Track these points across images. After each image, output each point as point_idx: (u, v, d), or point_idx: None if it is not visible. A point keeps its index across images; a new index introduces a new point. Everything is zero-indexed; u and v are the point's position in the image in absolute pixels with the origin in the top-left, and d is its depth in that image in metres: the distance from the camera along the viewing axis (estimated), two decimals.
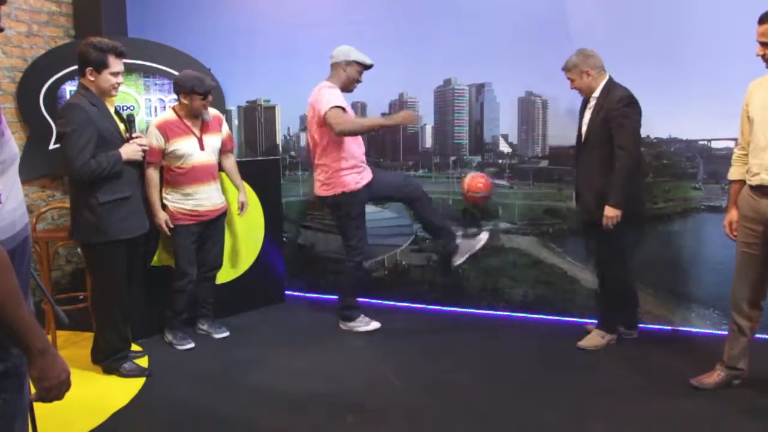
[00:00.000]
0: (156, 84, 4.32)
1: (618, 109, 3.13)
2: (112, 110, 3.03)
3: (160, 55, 4.31)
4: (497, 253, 4.06)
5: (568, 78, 3.32)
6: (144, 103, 4.32)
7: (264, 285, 4.20)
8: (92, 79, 2.89)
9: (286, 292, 4.41)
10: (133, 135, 3.03)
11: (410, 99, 4.23)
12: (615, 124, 3.14)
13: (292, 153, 4.59)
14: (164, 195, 3.44)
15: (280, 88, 4.49)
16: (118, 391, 2.98)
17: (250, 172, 4.03)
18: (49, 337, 3.49)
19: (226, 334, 3.72)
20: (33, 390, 1.31)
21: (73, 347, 3.54)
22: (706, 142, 3.62)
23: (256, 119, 4.61)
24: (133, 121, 3.07)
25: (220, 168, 3.66)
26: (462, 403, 2.86)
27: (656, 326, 3.76)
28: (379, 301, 4.31)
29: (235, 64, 4.47)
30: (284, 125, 4.58)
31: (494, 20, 3.83)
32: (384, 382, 3.08)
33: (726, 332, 2.96)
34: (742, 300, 2.81)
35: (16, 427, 1.35)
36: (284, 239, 4.45)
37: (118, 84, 2.96)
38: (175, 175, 3.42)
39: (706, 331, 3.65)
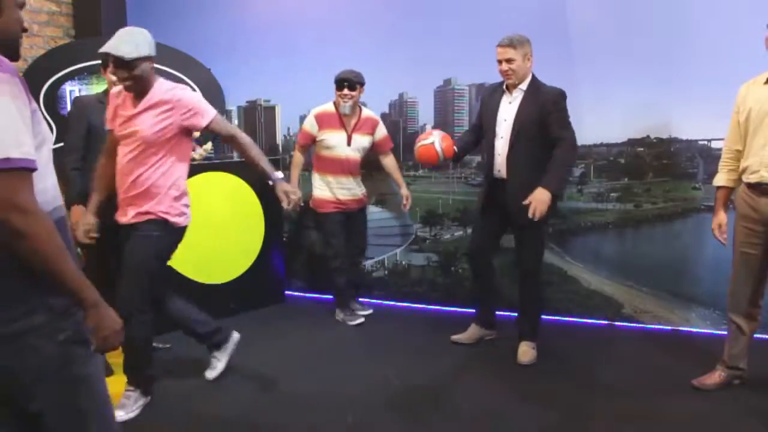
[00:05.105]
0: None
1: (557, 103, 3.07)
2: None
3: (160, 55, 4.28)
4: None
5: (507, 59, 3.07)
6: None
7: (264, 285, 4.20)
8: (105, 77, 3.17)
9: (286, 292, 4.41)
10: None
11: (410, 99, 4.23)
12: (554, 118, 3.06)
13: (292, 153, 4.58)
14: (313, 181, 3.89)
15: (280, 88, 4.49)
16: (119, 391, 2.97)
17: (249, 172, 4.02)
18: None
19: (366, 314, 3.99)
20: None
21: None
22: (706, 142, 3.62)
23: (256, 119, 4.61)
24: None
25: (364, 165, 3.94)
26: (462, 403, 2.86)
27: (656, 326, 3.76)
28: (379, 301, 4.32)
29: (235, 64, 4.47)
30: (284, 125, 4.58)
31: (494, 20, 3.83)
32: (384, 383, 3.08)
33: (726, 332, 2.97)
34: (742, 299, 2.81)
35: (97, 390, 1.44)
36: (284, 239, 4.45)
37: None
38: (321, 163, 3.84)
39: (706, 331, 3.65)
